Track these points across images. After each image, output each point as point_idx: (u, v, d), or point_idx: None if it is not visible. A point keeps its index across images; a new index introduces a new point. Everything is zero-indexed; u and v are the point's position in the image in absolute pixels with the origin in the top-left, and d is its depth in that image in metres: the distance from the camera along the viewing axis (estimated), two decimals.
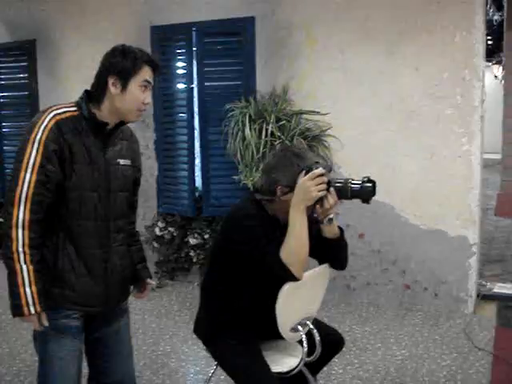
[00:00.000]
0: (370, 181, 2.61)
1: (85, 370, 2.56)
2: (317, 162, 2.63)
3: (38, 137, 2.23)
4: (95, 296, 2.41)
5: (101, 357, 2.60)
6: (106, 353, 2.60)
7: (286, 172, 2.63)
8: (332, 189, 2.60)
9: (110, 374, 2.64)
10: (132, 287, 2.72)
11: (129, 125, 2.59)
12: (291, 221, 2.57)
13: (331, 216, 2.72)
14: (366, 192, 2.60)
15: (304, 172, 2.57)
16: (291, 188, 2.60)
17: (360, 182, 2.61)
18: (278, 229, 2.70)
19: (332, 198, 2.60)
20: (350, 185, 2.62)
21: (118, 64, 2.35)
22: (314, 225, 2.72)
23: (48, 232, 2.29)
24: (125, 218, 2.57)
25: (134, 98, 2.39)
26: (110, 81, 2.37)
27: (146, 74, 2.38)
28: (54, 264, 2.31)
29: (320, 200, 2.59)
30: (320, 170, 2.55)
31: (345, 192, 2.61)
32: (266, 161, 2.83)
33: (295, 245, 2.56)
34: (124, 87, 2.36)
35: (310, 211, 2.65)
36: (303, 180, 2.55)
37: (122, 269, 2.51)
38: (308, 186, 2.53)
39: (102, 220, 2.41)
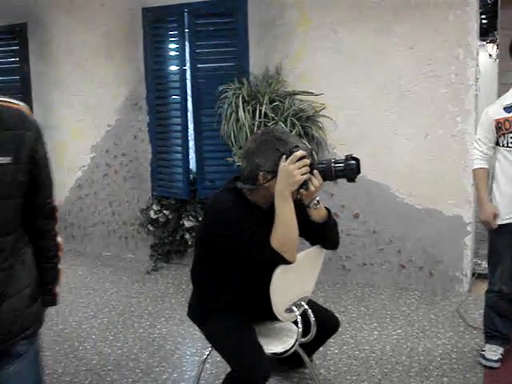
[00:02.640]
0: (353, 158, 2.56)
1: None
2: (296, 146, 2.58)
3: None
4: None
5: None
6: None
7: (267, 157, 2.58)
8: (316, 171, 2.57)
9: None
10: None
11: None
12: (278, 208, 2.54)
13: (317, 199, 2.69)
14: (350, 170, 2.55)
15: (285, 157, 2.53)
16: (274, 174, 2.56)
17: (343, 161, 2.56)
18: (261, 216, 2.68)
19: (316, 180, 2.57)
20: (333, 165, 2.57)
21: None
22: (301, 208, 2.68)
23: None
24: (8, 233, 1.86)
25: None
26: None
27: None
28: None
29: (304, 183, 2.55)
30: (300, 153, 2.50)
31: (329, 173, 2.57)
32: (247, 145, 2.75)
33: (285, 232, 2.54)
34: None
35: (296, 196, 2.61)
36: (285, 165, 2.51)
37: (2, 299, 1.84)
38: (291, 171, 2.49)
39: None
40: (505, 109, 3.45)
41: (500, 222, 3.51)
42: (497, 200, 3.53)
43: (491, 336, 3.66)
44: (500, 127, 3.45)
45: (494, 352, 3.60)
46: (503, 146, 3.46)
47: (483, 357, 3.61)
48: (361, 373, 3.58)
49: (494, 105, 3.55)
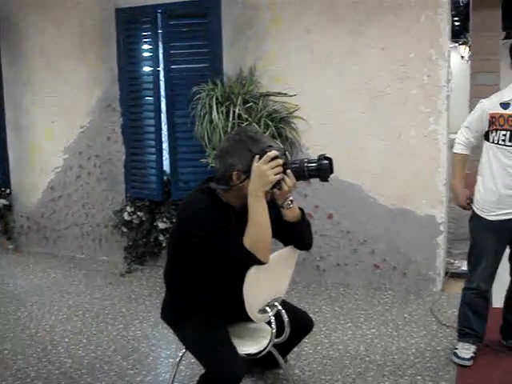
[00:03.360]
0: (326, 158, 2.57)
1: None
2: (270, 146, 2.59)
3: None
4: None
5: None
6: None
7: (241, 157, 2.58)
8: (289, 171, 2.57)
9: None
10: None
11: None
12: (251, 208, 2.55)
13: (291, 199, 2.70)
14: (323, 170, 2.56)
15: (258, 157, 2.53)
16: (248, 174, 2.56)
17: (316, 161, 2.57)
18: (234, 216, 2.68)
19: (290, 180, 2.57)
20: (306, 164, 2.58)
21: None
22: (274, 209, 2.69)
23: None
24: None
25: None
26: None
27: None
28: None
29: (278, 183, 2.56)
30: (273, 153, 2.52)
31: (302, 172, 2.58)
32: (220, 145, 2.75)
33: (258, 232, 2.55)
34: None
35: (269, 196, 2.62)
36: (258, 165, 2.51)
37: None
38: (264, 171, 2.50)
39: None
40: (501, 104, 3.43)
41: (486, 216, 3.53)
42: (481, 193, 3.55)
43: (464, 334, 3.69)
44: (494, 122, 3.43)
45: (466, 350, 3.63)
46: (493, 142, 3.44)
47: (456, 355, 3.63)
48: (335, 372, 3.59)
49: (491, 98, 3.52)
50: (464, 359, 3.60)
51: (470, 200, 3.64)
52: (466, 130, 3.62)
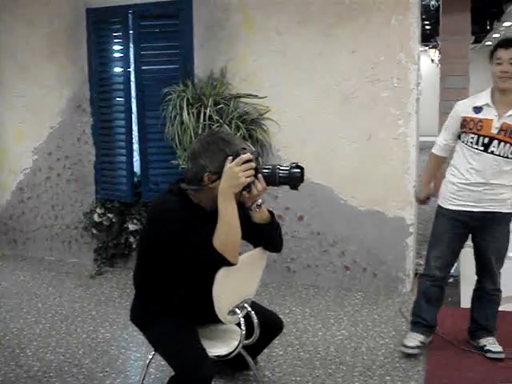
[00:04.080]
0: (298, 167, 2.59)
1: None
2: (243, 148, 2.61)
3: None
4: None
5: None
6: None
7: (213, 158, 2.59)
8: (260, 175, 2.59)
9: None
10: None
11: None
12: (221, 209, 2.55)
13: (259, 202, 2.71)
14: (294, 178, 2.59)
15: (231, 158, 2.54)
16: (219, 175, 2.57)
17: (288, 169, 2.59)
18: (204, 217, 2.68)
19: (260, 185, 2.59)
20: (277, 171, 2.60)
21: None
22: (244, 210, 2.70)
23: None
24: None
25: None
26: None
27: None
28: None
29: (248, 186, 2.57)
30: (247, 156, 2.53)
31: (273, 178, 2.61)
32: (192, 146, 2.76)
33: (227, 232, 2.55)
34: None
35: (239, 198, 2.63)
36: (230, 166, 2.52)
37: None
38: (235, 172, 2.51)
39: None
40: (474, 108, 3.52)
41: (446, 205, 3.65)
42: (444, 183, 3.69)
43: (415, 323, 3.83)
44: (465, 125, 3.53)
45: (413, 339, 3.74)
46: (463, 142, 3.56)
47: (402, 343, 3.74)
48: (305, 374, 3.60)
49: (465, 101, 3.63)
50: (407, 347, 3.71)
51: (428, 198, 3.83)
52: (443, 132, 3.74)
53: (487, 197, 3.52)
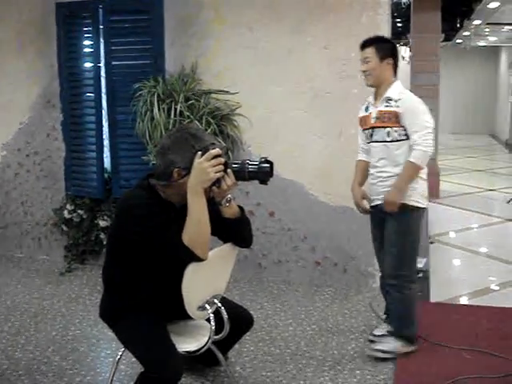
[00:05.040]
0: (267, 161, 2.60)
1: None
2: (213, 144, 2.62)
3: None
4: None
5: None
6: None
7: (182, 153, 2.59)
8: (229, 170, 2.60)
9: None
10: None
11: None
12: (190, 204, 2.55)
13: (229, 197, 2.72)
14: (263, 173, 2.60)
15: (200, 153, 2.54)
16: (188, 170, 2.56)
17: (257, 163, 2.61)
18: (173, 213, 2.68)
19: (229, 180, 2.60)
20: (247, 166, 2.62)
21: None
22: (213, 206, 2.70)
23: None
24: None
25: None
26: None
27: None
28: None
29: (217, 181, 2.58)
30: (216, 151, 2.54)
31: (242, 173, 2.62)
32: (161, 142, 2.76)
33: (196, 228, 2.55)
34: None
35: (209, 193, 2.63)
36: (199, 161, 2.52)
37: None
38: (205, 168, 2.51)
39: None
40: (366, 108, 3.72)
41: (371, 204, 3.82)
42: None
43: (386, 314, 3.99)
44: (361, 124, 3.75)
45: (381, 328, 3.84)
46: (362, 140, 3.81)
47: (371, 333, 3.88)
48: (276, 369, 3.62)
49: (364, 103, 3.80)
50: (373, 335, 3.84)
51: (368, 199, 3.85)
52: (359, 137, 3.89)
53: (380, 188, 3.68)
